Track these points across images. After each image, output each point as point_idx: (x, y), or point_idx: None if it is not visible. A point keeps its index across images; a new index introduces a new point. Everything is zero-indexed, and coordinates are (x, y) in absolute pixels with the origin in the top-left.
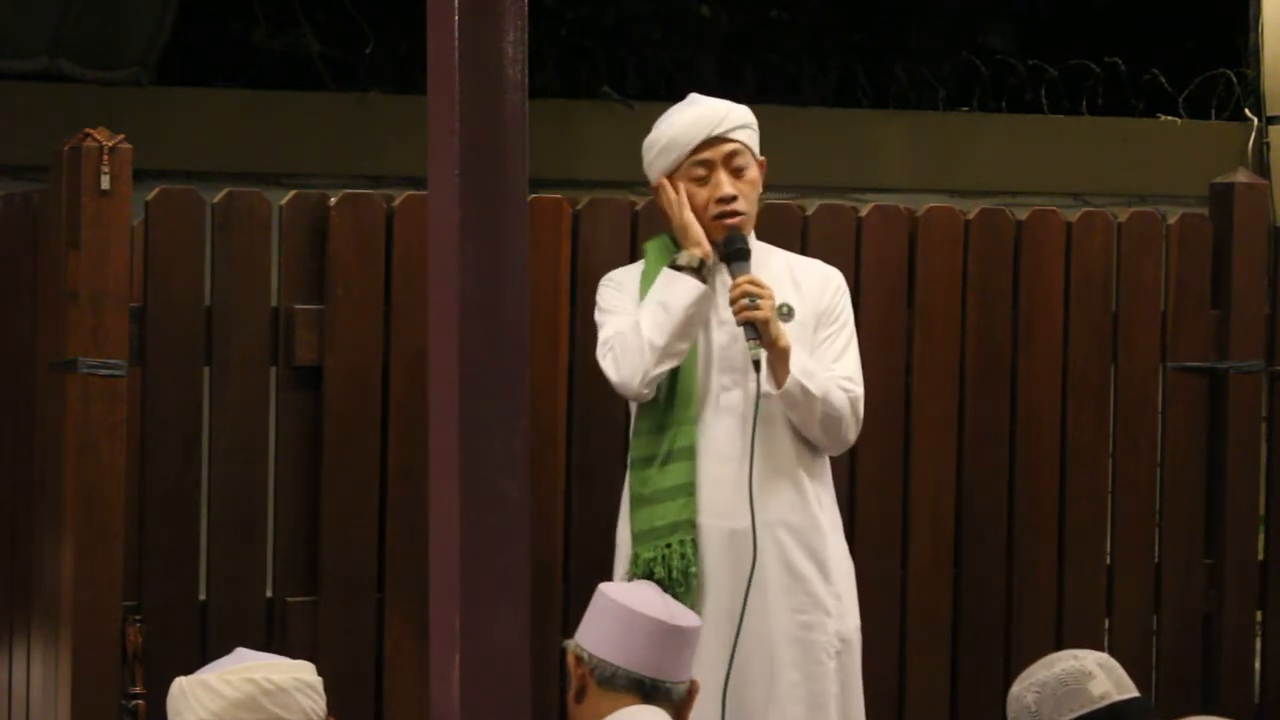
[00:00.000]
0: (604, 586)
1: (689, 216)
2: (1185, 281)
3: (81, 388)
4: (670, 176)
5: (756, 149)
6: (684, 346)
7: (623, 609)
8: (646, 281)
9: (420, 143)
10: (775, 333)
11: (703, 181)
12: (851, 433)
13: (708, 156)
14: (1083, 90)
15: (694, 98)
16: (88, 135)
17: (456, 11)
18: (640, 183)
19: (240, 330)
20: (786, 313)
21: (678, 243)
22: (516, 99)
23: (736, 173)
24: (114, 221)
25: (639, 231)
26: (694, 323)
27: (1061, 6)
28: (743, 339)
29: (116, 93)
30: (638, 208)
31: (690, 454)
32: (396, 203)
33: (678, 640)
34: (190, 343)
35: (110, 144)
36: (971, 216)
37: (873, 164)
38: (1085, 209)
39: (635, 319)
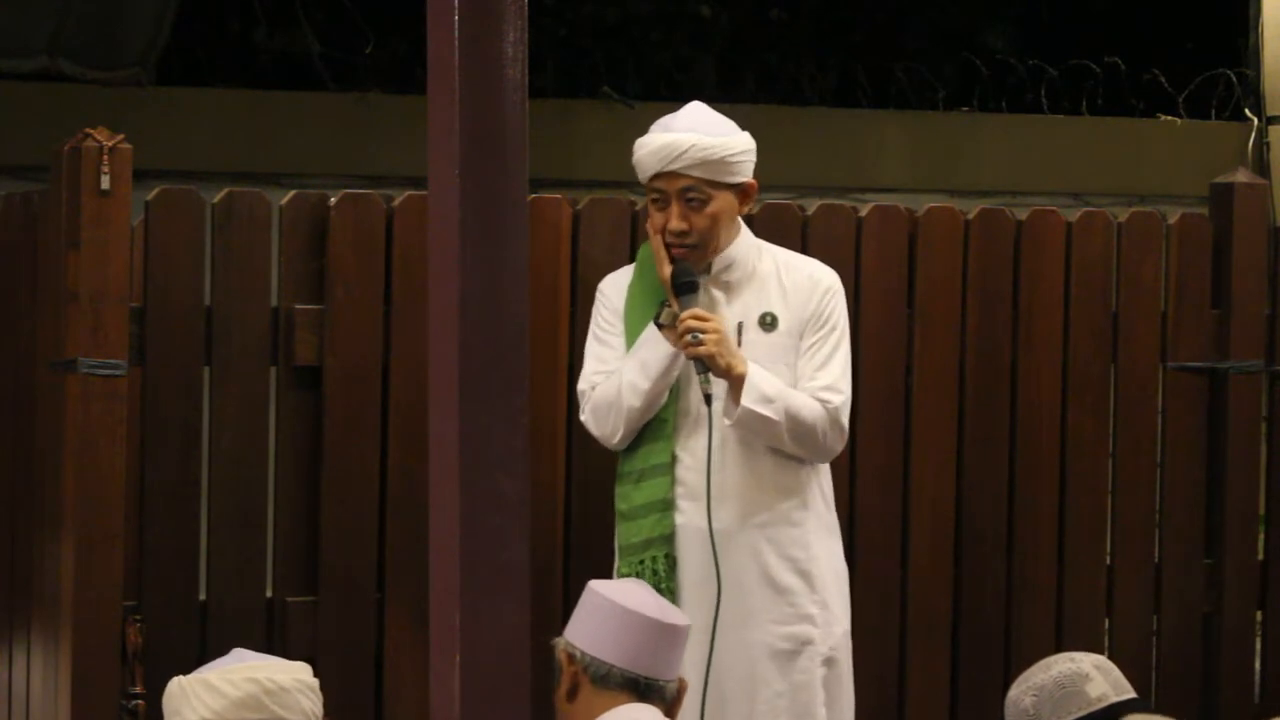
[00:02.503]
0: (594, 584)
1: (669, 271)
2: (1185, 281)
3: (81, 388)
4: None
5: (735, 175)
6: (661, 399)
7: (617, 607)
8: (632, 296)
9: (420, 143)
10: (725, 364)
11: (660, 207)
12: (834, 443)
13: (662, 187)
14: (1083, 90)
15: (683, 114)
16: (88, 135)
17: (456, 11)
18: (640, 182)
19: (240, 330)
20: (770, 322)
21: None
22: (516, 99)
23: (691, 204)
24: (114, 221)
25: (639, 231)
26: (671, 379)
27: (1061, 6)
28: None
29: (116, 93)
30: (638, 208)
31: (666, 470)
32: (396, 203)
33: (671, 638)
34: (190, 343)
35: (110, 144)
36: (971, 216)
37: (873, 164)
38: (1085, 209)
39: (616, 372)
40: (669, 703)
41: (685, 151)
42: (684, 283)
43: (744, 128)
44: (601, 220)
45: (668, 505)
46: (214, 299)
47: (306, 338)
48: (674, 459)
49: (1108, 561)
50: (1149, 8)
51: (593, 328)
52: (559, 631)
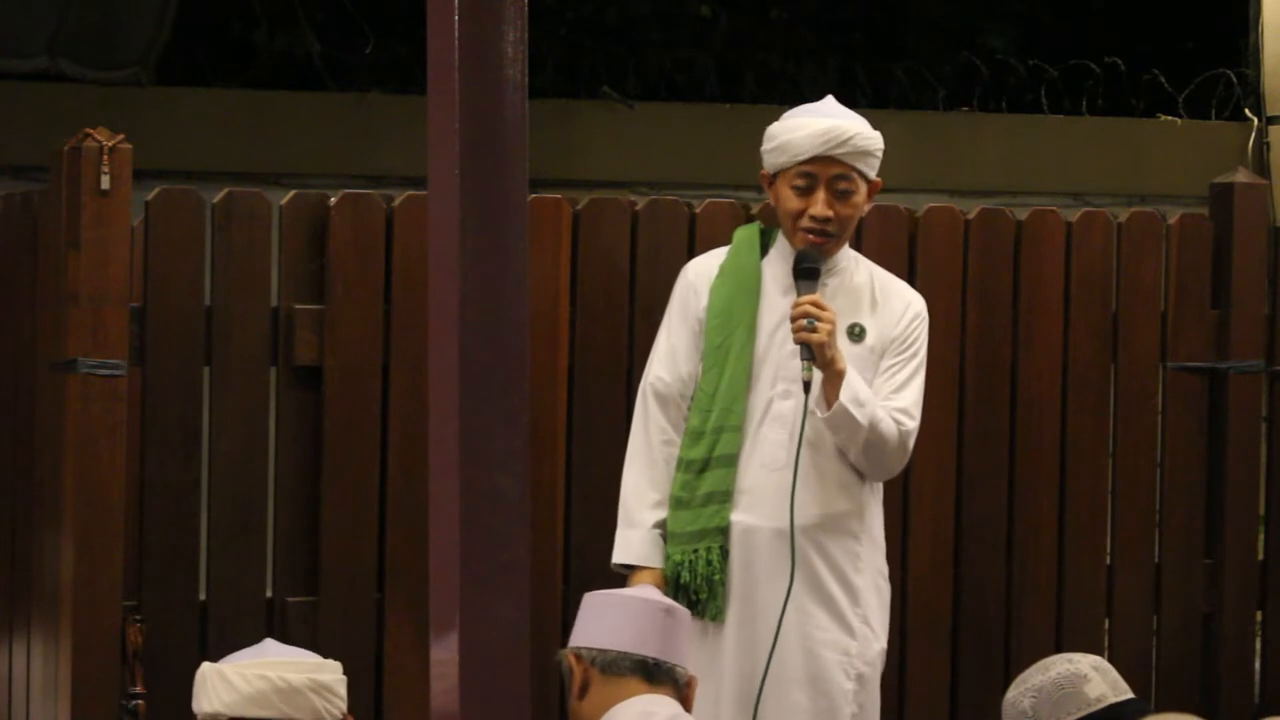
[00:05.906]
0: (590, 594)
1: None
2: (1185, 281)
3: (81, 388)
4: (778, 175)
5: (874, 171)
6: None
7: (615, 597)
8: (723, 277)
9: (420, 143)
10: (830, 356)
11: (803, 193)
12: (897, 464)
13: (814, 171)
14: (1083, 90)
15: (828, 104)
16: (88, 135)
17: (456, 11)
18: (640, 182)
19: (240, 330)
20: (858, 333)
21: (765, 236)
22: (516, 99)
23: (840, 195)
24: (114, 221)
25: (639, 231)
26: None
27: (1061, 6)
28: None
29: (116, 93)
30: (638, 208)
31: (731, 462)
32: (396, 203)
33: (672, 622)
34: (190, 343)
35: (110, 144)
36: (971, 216)
37: None
38: (1085, 209)
39: (646, 474)
40: (681, 688)
41: (850, 139)
42: (806, 268)
43: (743, 128)
44: (601, 220)
45: (727, 497)
46: (214, 299)
47: (306, 338)
48: (740, 453)
49: (1108, 561)
50: (1149, 8)
51: (668, 317)
52: (559, 632)
